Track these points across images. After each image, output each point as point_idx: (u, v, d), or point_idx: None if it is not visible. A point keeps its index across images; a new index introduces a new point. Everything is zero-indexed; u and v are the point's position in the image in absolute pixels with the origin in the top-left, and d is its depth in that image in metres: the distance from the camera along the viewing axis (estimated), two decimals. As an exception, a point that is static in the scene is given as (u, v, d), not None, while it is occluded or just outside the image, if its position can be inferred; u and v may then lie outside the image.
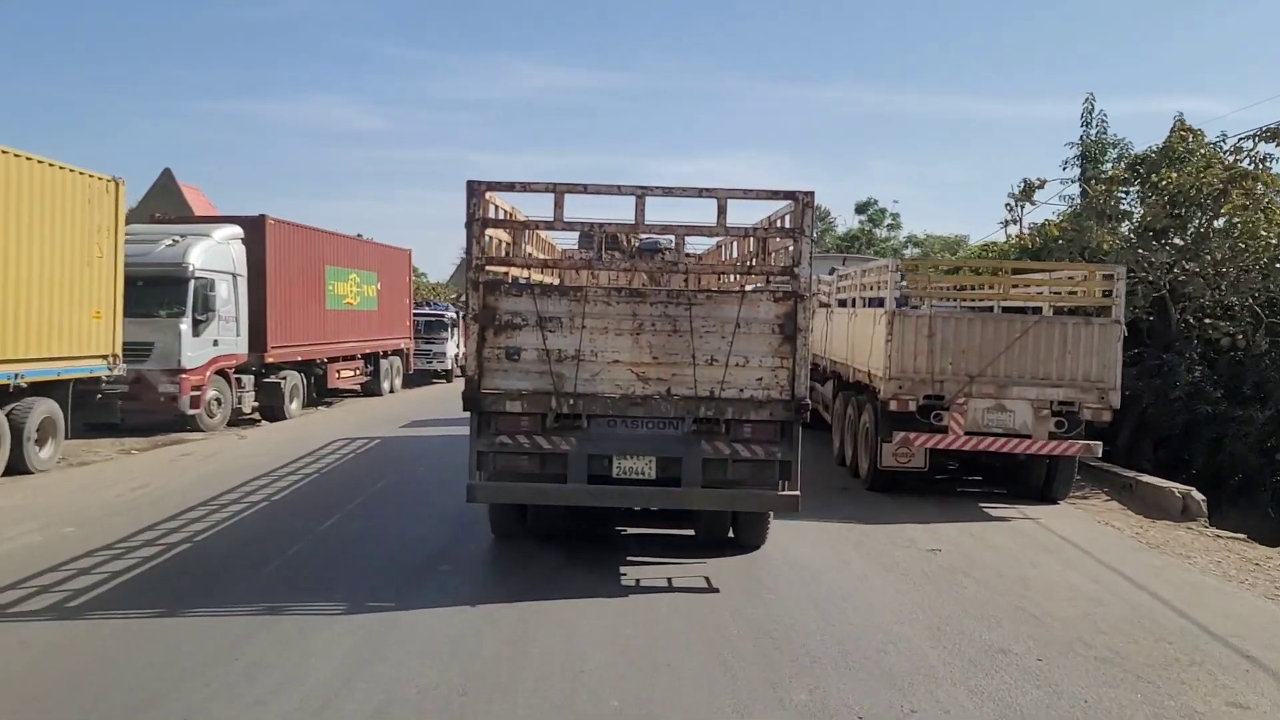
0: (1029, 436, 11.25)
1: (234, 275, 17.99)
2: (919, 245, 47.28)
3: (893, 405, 11.42)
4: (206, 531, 9.29)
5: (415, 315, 29.27)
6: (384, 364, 25.70)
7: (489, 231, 8.25)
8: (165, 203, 26.86)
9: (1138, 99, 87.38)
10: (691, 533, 8.89)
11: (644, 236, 11.87)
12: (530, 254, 10.70)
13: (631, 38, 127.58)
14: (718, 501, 8.06)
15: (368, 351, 24.63)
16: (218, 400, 17.57)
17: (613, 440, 7.86)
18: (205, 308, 16.97)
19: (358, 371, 24.11)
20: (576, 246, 14.72)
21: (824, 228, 52.55)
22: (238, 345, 18.11)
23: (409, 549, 8.70)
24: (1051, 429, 11.24)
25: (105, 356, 14.29)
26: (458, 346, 31.92)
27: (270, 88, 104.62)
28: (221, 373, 17.67)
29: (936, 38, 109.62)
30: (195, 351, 16.79)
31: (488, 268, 8.05)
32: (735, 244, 11.50)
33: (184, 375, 16.50)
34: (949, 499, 12.38)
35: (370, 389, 25.16)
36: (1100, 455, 11.85)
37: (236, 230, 18.41)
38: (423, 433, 18.01)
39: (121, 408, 16.22)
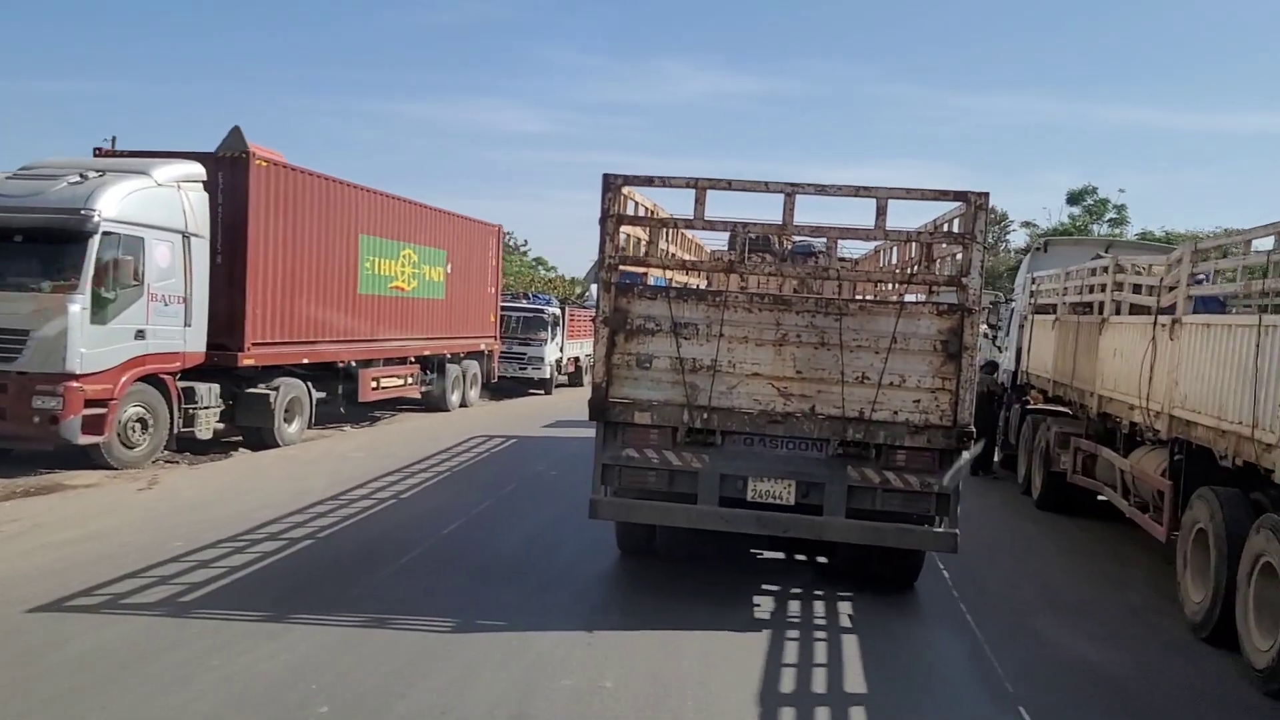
0: None
1: (184, 235, 12.04)
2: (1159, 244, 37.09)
3: None
4: None
5: (504, 309, 22.91)
6: (452, 370, 19.53)
7: (625, 229, 7.80)
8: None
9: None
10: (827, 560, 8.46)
11: (798, 239, 11.17)
12: (673, 254, 10.65)
13: (793, 44, 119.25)
14: (862, 535, 7.21)
15: (428, 353, 18.52)
16: (142, 422, 11.62)
17: (748, 460, 7.27)
18: (118, 280, 11.04)
19: (409, 379, 17.92)
20: (727, 249, 13.09)
21: (997, 233, 44.26)
22: (187, 340, 12.16)
23: None
24: None
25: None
26: (560, 350, 25.44)
27: (435, 90, 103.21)
28: (154, 379, 11.77)
29: (1114, 45, 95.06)
30: (96, 347, 10.90)
31: (621, 267, 7.53)
32: (895, 250, 10.89)
33: (72, 384, 10.63)
34: None
35: (434, 401, 19.12)
36: None
37: (195, 170, 12.43)
38: (483, 492, 11.55)
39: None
